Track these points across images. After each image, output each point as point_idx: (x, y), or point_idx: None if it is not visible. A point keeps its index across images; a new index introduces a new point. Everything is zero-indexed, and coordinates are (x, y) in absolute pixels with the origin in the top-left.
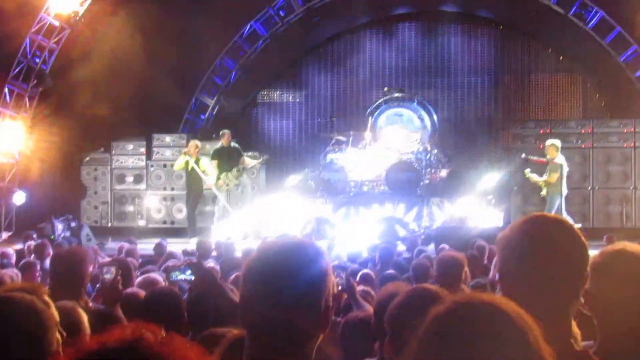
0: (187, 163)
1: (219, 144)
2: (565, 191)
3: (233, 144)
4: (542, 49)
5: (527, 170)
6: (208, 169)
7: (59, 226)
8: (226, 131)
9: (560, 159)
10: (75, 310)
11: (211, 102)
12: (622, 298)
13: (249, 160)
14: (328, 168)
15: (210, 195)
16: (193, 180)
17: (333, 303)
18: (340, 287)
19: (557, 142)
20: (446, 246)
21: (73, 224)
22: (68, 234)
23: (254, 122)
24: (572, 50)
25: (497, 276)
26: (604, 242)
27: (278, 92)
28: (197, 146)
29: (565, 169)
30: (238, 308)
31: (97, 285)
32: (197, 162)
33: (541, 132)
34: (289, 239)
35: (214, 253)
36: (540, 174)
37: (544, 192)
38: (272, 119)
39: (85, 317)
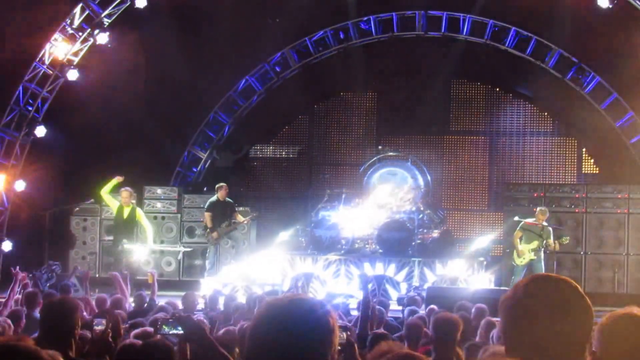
0: (121, 209)
1: (214, 197)
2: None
3: (228, 199)
4: (539, 112)
5: (551, 241)
6: (144, 222)
7: (43, 277)
8: (223, 185)
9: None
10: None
11: (204, 156)
12: None
13: (240, 217)
14: (320, 225)
15: (200, 249)
16: (123, 229)
17: None
18: (339, 347)
19: (545, 209)
20: (435, 307)
21: (58, 271)
22: (54, 281)
23: (246, 176)
24: (568, 115)
25: (498, 338)
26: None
27: (271, 147)
28: (130, 194)
29: None
30: None
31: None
32: (133, 212)
33: (535, 195)
34: (296, 296)
35: (200, 306)
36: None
37: (524, 259)
38: (264, 173)
39: None
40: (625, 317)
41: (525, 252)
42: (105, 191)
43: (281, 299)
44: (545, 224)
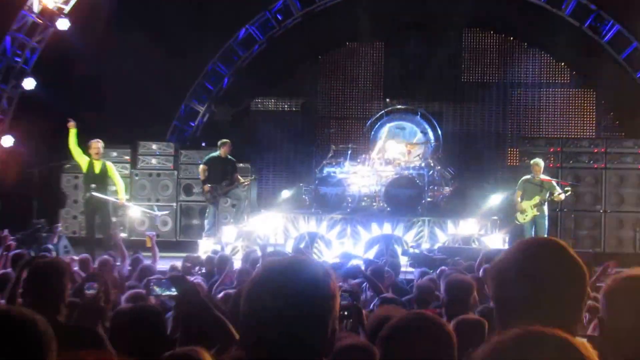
0: (91, 164)
1: (215, 152)
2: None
3: (229, 156)
4: (555, 62)
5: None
6: (117, 177)
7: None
8: (227, 141)
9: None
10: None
11: (201, 109)
12: (634, 325)
13: (240, 178)
14: (324, 182)
15: (198, 207)
16: (88, 186)
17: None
18: (345, 312)
19: (538, 160)
20: (445, 269)
21: (44, 231)
22: (38, 243)
23: (247, 131)
24: (586, 65)
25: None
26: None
27: (273, 101)
28: (101, 146)
29: None
30: (227, 327)
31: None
32: (104, 167)
33: (551, 150)
34: (295, 258)
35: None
36: (530, 195)
37: (527, 216)
38: (266, 128)
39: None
40: (630, 279)
41: (527, 209)
42: (71, 144)
43: (279, 261)
44: (546, 177)
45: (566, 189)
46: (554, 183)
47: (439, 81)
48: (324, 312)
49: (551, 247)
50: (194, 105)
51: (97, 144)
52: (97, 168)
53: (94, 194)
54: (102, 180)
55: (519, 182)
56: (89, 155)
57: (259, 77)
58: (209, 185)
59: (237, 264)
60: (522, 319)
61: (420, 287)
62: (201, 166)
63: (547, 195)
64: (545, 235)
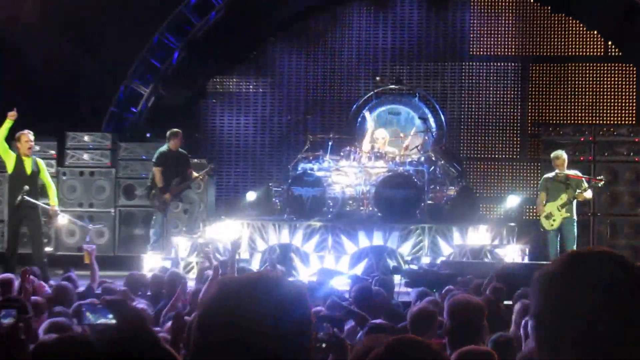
0: (20, 161)
1: (164, 147)
2: None
3: (181, 149)
4: (585, 31)
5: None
6: (48, 179)
7: None
8: (178, 131)
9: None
10: None
11: (146, 91)
12: None
13: (194, 173)
14: (299, 181)
15: (141, 214)
16: (18, 188)
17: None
18: (323, 345)
19: (560, 153)
20: (453, 288)
21: None
22: None
23: (202, 118)
24: (624, 34)
25: (529, 325)
26: None
27: (235, 80)
28: (31, 142)
29: None
30: None
31: None
32: (36, 166)
33: (581, 139)
34: (259, 275)
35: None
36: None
37: (555, 220)
38: (226, 114)
39: None
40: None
41: (554, 211)
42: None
43: (238, 280)
44: (572, 172)
45: (599, 178)
46: (584, 180)
47: (442, 55)
48: (295, 345)
49: (617, 262)
50: (136, 87)
51: (29, 137)
52: (28, 167)
53: (27, 198)
54: (34, 182)
55: (541, 181)
56: (16, 151)
57: (217, 51)
58: (169, 193)
59: (192, 284)
60: (568, 349)
61: (416, 312)
62: (155, 169)
63: (575, 192)
64: (574, 247)
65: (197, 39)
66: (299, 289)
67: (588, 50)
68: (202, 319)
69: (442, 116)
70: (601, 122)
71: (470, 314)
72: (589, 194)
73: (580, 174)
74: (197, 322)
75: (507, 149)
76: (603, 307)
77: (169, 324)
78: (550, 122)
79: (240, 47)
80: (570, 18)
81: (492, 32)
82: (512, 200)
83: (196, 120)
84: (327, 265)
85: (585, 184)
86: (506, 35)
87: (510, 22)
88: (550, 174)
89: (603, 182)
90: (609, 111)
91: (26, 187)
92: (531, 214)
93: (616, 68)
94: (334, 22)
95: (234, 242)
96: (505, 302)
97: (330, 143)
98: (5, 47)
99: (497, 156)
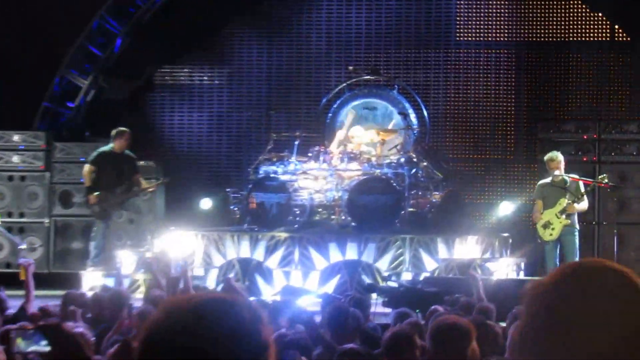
0: None
1: (107, 147)
2: None
3: (128, 151)
4: (589, 13)
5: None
6: None
7: None
8: (125, 131)
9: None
10: None
11: (84, 83)
12: None
13: (144, 182)
14: (262, 186)
15: (80, 224)
16: None
17: None
18: None
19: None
20: (440, 308)
21: None
22: None
23: (149, 114)
24: (633, 17)
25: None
26: None
27: (187, 70)
28: None
29: None
30: None
31: None
32: None
33: (585, 137)
34: (209, 296)
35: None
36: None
37: (554, 229)
38: (177, 110)
39: None
40: None
41: (553, 219)
42: None
43: (186, 300)
44: (566, 176)
45: (601, 177)
46: (581, 186)
47: (425, 41)
48: None
49: (614, 274)
50: (73, 78)
51: None
52: None
53: None
54: None
55: (536, 188)
56: None
57: (166, 37)
58: (98, 193)
59: (139, 304)
60: None
61: (390, 336)
62: (86, 166)
63: (575, 196)
64: (576, 259)
65: (142, 23)
66: (256, 312)
67: (592, 35)
68: (144, 346)
69: (424, 111)
70: (607, 117)
71: (457, 337)
72: (583, 205)
73: (579, 177)
74: (139, 348)
75: (500, 149)
76: (602, 326)
77: (112, 350)
78: (549, 117)
79: (193, 33)
80: None
81: (482, 15)
82: (506, 207)
83: (141, 116)
84: (294, 283)
85: (583, 190)
86: (498, 19)
87: (502, 3)
88: (546, 180)
89: (610, 185)
90: (616, 104)
91: None
92: (527, 222)
93: (624, 55)
94: (301, 4)
95: (186, 257)
96: (502, 324)
97: (296, 142)
98: None
99: (488, 156)
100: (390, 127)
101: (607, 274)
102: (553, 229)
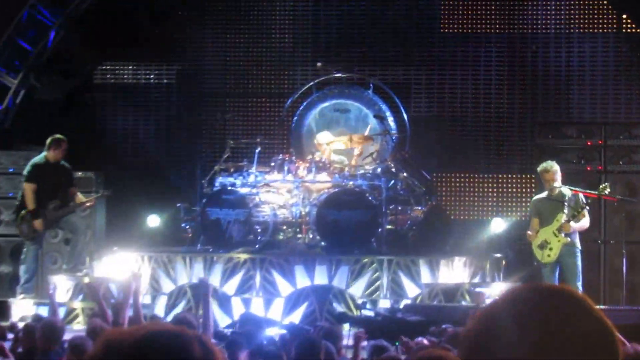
0: None
1: (40, 157)
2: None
3: (63, 162)
4: (593, 2)
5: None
6: None
7: None
8: (61, 138)
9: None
10: None
11: (13, 83)
12: None
13: (80, 196)
14: (217, 200)
15: (8, 246)
16: None
17: None
18: None
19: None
20: (424, 341)
21: None
22: None
23: (88, 117)
24: None
25: None
26: None
27: (131, 68)
28: None
29: None
30: None
31: None
32: None
33: (589, 143)
34: (155, 328)
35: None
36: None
37: (553, 248)
38: (119, 113)
39: None
40: None
41: (550, 238)
42: None
43: (128, 333)
44: (565, 188)
45: (603, 187)
46: (581, 200)
47: (405, 33)
48: None
49: (560, 303)
50: (0, 77)
51: None
52: None
53: None
54: None
55: (531, 205)
56: None
57: (107, 30)
58: (42, 218)
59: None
60: None
61: None
62: (26, 186)
63: (575, 211)
64: (579, 283)
65: (80, 14)
66: (209, 347)
67: (596, 25)
68: None
69: (404, 114)
70: (614, 120)
71: None
72: (583, 223)
73: (581, 189)
74: None
75: (491, 157)
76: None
77: None
78: (547, 120)
79: (139, 25)
80: None
81: (470, 3)
82: (498, 225)
83: (80, 121)
84: (255, 312)
85: (583, 202)
86: (488, 8)
87: None
88: (542, 194)
89: (617, 198)
90: (624, 105)
91: None
92: (523, 241)
93: (633, 48)
94: None
95: (132, 279)
96: None
97: (257, 150)
98: None
99: (477, 166)
100: (366, 133)
101: (564, 298)
102: (551, 249)
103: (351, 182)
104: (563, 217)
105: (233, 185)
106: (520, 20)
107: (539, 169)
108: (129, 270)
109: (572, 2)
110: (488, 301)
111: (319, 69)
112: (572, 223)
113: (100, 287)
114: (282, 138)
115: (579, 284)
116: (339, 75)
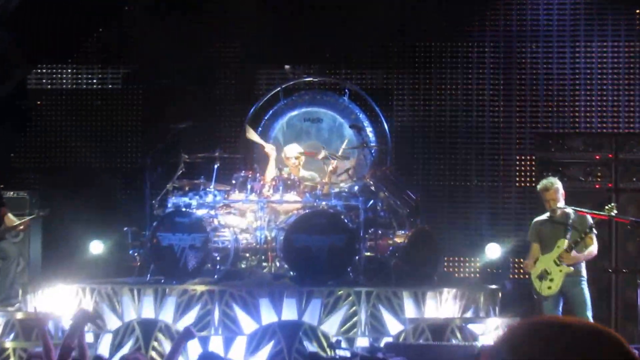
0: None
1: None
2: None
3: None
4: None
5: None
6: None
7: None
8: None
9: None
10: None
11: None
12: None
13: (11, 217)
14: (170, 224)
15: None
16: None
17: None
18: None
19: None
20: None
21: None
22: None
23: (21, 129)
24: None
25: None
26: None
27: (70, 72)
28: None
29: None
30: None
31: None
32: None
33: (597, 157)
34: None
35: None
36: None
37: (554, 279)
38: (57, 122)
39: None
40: None
41: (552, 268)
42: None
43: None
44: (569, 209)
45: (609, 207)
46: (588, 221)
47: (385, 31)
48: None
49: (590, 337)
50: None
51: None
52: None
53: None
54: None
55: (530, 228)
56: None
57: (43, 29)
58: None
59: None
60: None
61: None
62: None
63: (579, 236)
64: (589, 313)
65: (11, 11)
66: None
67: (605, 20)
68: None
69: (385, 124)
70: (625, 129)
71: None
72: (591, 249)
73: (588, 210)
74: None
75: (484, 173)
76: None
77: None
78: (549, 131)
79: (79, 23)
80: None
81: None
82: (493, 251)
83: (13, 132)
84: (213, 351)
85: (590, 224)
86: (478, 4)
87: None
88: (543, 216)
89: (630, 220)
90: (637, 114)
91: None
92: (522, 270)
93: None
94: None
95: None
96: None
97: (216, 166)
98: None
99: (468, 184)
100: (340, 152)
101: (597, 339)
102: (552, 280)
103: (324, 203)
104: (565, 243)
105: (188, 206)
106: (517, 15)
107: (538, 187)
108: (77, 305)
109: None
110: (488, 339)
111: (287, 72)
112: (574, 253)
113: (45, 323)
114: (245, 152)
115: (589, 314)
116: (310, 79)
